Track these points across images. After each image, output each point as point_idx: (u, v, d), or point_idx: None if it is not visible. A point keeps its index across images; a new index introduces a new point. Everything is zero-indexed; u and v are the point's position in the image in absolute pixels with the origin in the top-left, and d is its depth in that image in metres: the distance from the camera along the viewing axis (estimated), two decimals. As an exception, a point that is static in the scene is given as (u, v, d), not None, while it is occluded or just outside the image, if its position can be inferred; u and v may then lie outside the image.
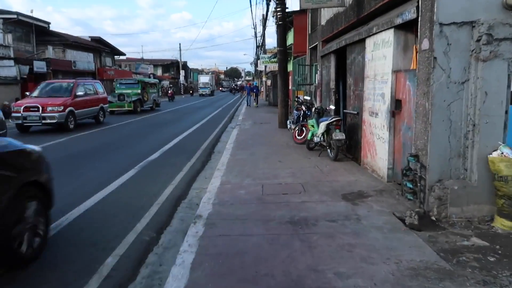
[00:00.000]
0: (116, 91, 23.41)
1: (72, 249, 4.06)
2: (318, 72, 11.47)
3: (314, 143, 8.50)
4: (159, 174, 7.32)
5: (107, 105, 17.34)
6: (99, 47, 36.24)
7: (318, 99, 11.53)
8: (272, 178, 6.50)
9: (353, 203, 5.01)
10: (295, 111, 11.08)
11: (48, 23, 29.34)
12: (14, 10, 27.74)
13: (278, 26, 13.39)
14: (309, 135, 8.78)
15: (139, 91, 23.32)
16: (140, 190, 6.27)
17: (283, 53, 13.40)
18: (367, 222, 4.30)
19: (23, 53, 26.06)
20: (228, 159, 8.28)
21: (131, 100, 22.05)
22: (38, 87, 15.07)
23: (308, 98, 10.23)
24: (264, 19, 26.60)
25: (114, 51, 41.72)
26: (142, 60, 54.10)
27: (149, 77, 48.71)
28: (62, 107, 13.43)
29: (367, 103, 7.01)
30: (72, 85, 14.51)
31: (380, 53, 6.32)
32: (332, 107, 8.68)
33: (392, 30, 5.81)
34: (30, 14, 26.21)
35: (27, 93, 15.39)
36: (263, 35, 29.77)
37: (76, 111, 14.12)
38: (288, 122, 11.81)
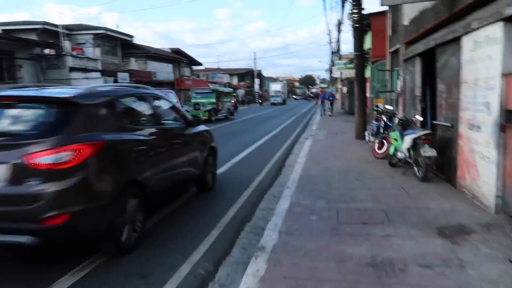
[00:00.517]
0: (192, 100, 24.01)
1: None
2: (401, 78, 10.32)
3: (397, 159, 7.46)
4: (225, 191, 6.87)
5: None
6: (178, 58, 37.82)
7: (400, 108, 10.37)
8: (349, 201, 5.68)
9: (452, 241, 4.02)
10: (374, 122, 10.05)
11: (132, 37, 31.23)
12: (103, 26, 30.10)
13: (354, 29, 12.43)
14: (391, 149, 7.76)
15: (213, 100, 23.64)
16: (201, 209, 5.85)
17: (360, 58, 12.40)
18: (475, 272, 3.33)
19: (110, 65, 27.97)
20: (300, 175, 7.58)
21: (206, 109, 22.37)
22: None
23: (390, 107, 9.16)
24: (339, 23, 25.53)
25: (192, 62, 43.34)
26: (218, 69, 55.61)
27: (225, 86, 50.06)
28: None
29: (464, 114, 5.88)
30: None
31: (483, 53, 5.21)
32: (419, 117, 7.56)
33: (500, 24, 4.71)
34: (116, 29, 28.03)
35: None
36: (338, 40, 28.63)
37: None
38: (366, 133, 10.79)
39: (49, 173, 3.49)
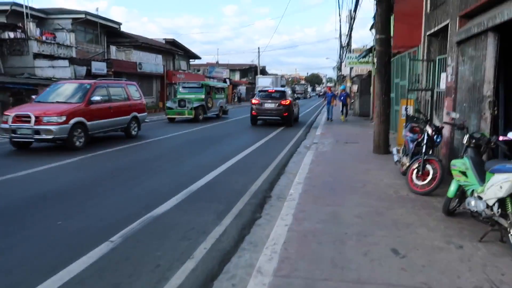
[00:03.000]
0: (177, 96, 20.69)
1: None
2: (449, 69, 6.93)
3: (469, 210, 4.05)
4: (148, 255, 3.55)
5: (144, 114, 13.61)
6: (171, 49, 34.50)
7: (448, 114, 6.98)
8: None
9: None
10: (408, 134, 6.65)
11: (119, 24, 27.95)
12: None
13: (378, 2, 9.04)
14: (453, 188, 4.40)
15: (202, 96, 20.29)
16: None
17: (385, 42, 9.01)
18: None
19: (90, 54, 24.72)
20: (289, 227, 4.28)
21: (192, 106, 19.02)
22: (47, 89, 11.62)
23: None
24: (356, 6, 21.65)
25: (188, 54, 40.01)
26: (217, 64, 52.12)
27: (224, 82, 46.65)
28: (64, 117, 9.53)
29: None
30: (88, 87, 10.80)
31: None
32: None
33: None
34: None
35: (33, 96, 11.99)
36: (351, 29, 24.96)
37: (89, 123, 10.30)
38: (393, 150, 7.37)
39: None
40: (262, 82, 40.38)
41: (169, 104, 19.74)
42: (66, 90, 10.90)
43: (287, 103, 17.53)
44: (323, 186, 6.18)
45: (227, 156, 9.42)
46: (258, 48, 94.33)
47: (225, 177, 7.31)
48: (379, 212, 4.86)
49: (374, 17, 18.95)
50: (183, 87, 21.18)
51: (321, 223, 4.46)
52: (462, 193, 4.38)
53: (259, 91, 19.87)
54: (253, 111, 17.82)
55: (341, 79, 43.36)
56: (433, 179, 5.53)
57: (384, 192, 5.81)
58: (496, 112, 5.46)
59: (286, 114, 17.53)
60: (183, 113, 19.05)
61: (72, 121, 9.73)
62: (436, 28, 7.96)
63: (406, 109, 8.76)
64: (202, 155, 9.69)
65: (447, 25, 7.24)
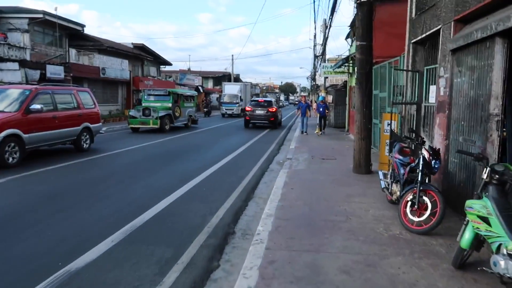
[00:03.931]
0: (143, 104, 19.25)
1: None
2: (442, 81, 6.02)
3: (498, 274, 2.97)
4: None
5: (99, 124, 12.13)
6: (140, 54, 32.90)
7: (440, 132, 6.05)
8: None
9: None
10: (397, 156, 5.63)
11: (83, 26, 26.20)
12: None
13: (359, 5, 8.13)
14: (468, 237, 3.36)
15: (169, 104, 18.96)
16: None
17: (367, 50, 8.08)
18: None
19: (50, 58, 22.89)
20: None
21: (158, 115, 17.65)
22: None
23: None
24: (332, 10, 20.78)
25: (159, 60, 38.49)
26: (188, 70, 50.69)
27: (198, 90, 45.19)
28: None
29: None
30: (27, 93, 9.25)
31: None
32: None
33: None
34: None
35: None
36: (325, 39, 24.23)
37: (25, 135, 8.79)
38: (379, 173, 6.33)
39: None
40: (229, 90, 36.19)
41: (132, 112, 18.28)
42: (1, 97, 9.34)
43: (273, 110, 21.73)
44: (298, 220, 5.07)
45: (190, 175, 8.20)
46: (232, 55, 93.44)
47: (181, 205, 6.09)
48: (370, 263, 3.78)
49: (351, 24, 18.20)
50: (149, 95, 19.77)
51: (296, 284, 3.33)
52: (478, 242, 3.37)
53: (251, 100, 24.09)
54: (247, 116, 21.87)
55: (315, 89, 42.87)
56: (432, 215, 4.52)
57: (372, 229, 4.76)
58: (504, 133, 4.54)
59: (273, 119, 21.58)
60: (147, 123, 17.65)
61: (2, 134, 8.23)
62: (423, 35, 7.08)
63: (411, 130, 7.81)
64: (160, 174, 8.43)
65: (437, 31, 6.35)
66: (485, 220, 3.11)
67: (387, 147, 7.95)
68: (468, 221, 3.41)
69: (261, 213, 5.55)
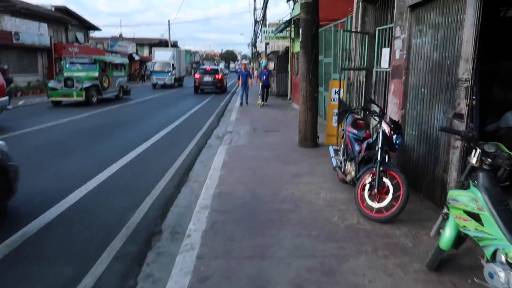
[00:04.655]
0: (64, 74, 17.07)
1: None
2: (398, 42, 5.30)
3: (493, 287, 2.31)
4: None
5: (4, 98, 10.30)
6: (62, 18, 29.47)
7: (395, 100, 5.39)
8: None
9: None
10: (350, 130, 4.90)
11: (-13, -16, 22.59)
12: None
13: (303, -43, 7.13)
14: (449, 234, 2.67)
15: (96, 74, 17.00)
16: None
17: (312, 9, 7.17)
18: None
19: None
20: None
21: (82, 86, 15.71)
22: None
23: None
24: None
25: (86, 25, 34.92)
26: (120, 37, 46.99)
27: (132, 57, 42.08)
28: None
29: None
30: None
31: None
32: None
33: None
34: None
35: None
36: (266, 2, 23.03)
37: None
38: (330, 148, 5.58)
39: None
40: (160, 56, 32.10)
41: (52, 84, 16.11)
42: None
43: (220, 77, 24.70)
44: (239, 213, 4.20)
45: (114, 156, 6.99)
46: (168, 20, 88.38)
47: (96, 199, 4.96)
48: (328, 269, 3.01)
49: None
50: (72, 63, 17.55)
51: (236, 315, 2.47)
52: (460, 239, 2.70)
53: (199, 69, 26.99)
54: (196, 83, 24.35)
55: (255, 56, 41.69)
56: (394, 199, 3.85)
57: (326, 219, 4.01)
58: (473, 100, 3.92)
59: (220, 85, 24.54)
60: (70, 95, 15.68)
61: None
62: (375, -9, 6.30)
63: (337, 92, 7.10)
64: (77, 157, 7.12)
65: (392, -15, 5.58)
66: (474, 217, 2.41)
67: (335, 118, 7.31)
68: (448, 215, 2.72)
69: (195, 202, 4.61)
